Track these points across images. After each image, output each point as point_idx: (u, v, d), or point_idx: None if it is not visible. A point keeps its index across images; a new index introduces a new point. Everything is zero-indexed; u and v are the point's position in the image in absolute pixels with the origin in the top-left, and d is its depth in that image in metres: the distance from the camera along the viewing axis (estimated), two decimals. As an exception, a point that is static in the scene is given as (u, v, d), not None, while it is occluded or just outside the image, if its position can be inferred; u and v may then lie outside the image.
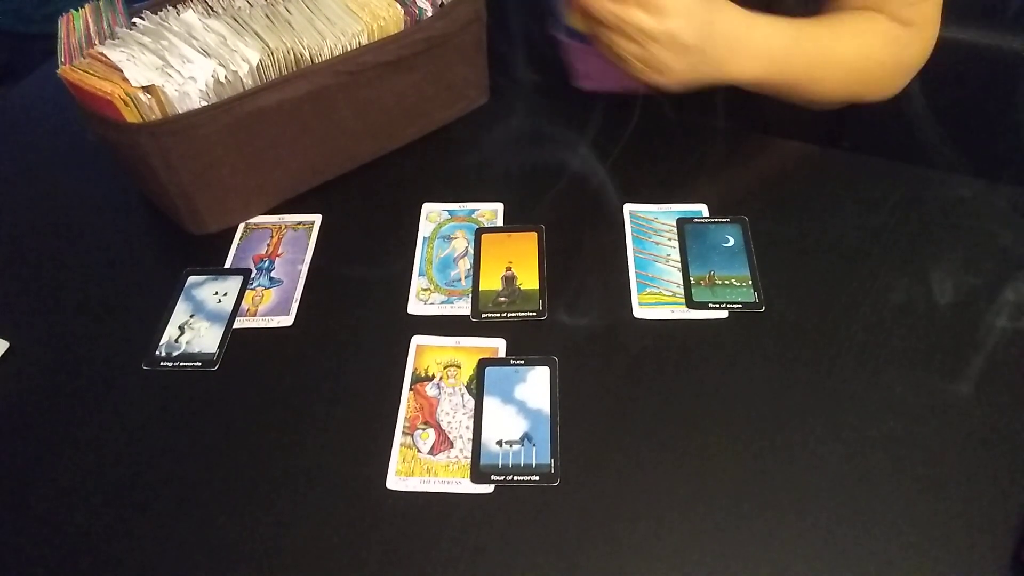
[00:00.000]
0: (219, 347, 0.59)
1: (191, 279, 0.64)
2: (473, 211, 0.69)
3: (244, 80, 0.61)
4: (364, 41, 0.65)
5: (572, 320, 0.60)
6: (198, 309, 0.62)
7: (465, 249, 0.65)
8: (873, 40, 0.68)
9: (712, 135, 0.74)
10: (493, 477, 0.51)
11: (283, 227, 0.68)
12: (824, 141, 0.74)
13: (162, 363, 0.58)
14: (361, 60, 0.64)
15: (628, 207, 0.67)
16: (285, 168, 0.67)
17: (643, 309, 0.60)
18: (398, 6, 0.66)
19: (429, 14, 0.67)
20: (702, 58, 0.61)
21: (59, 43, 0.61)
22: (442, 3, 0.68)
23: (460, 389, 0.56)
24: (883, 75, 0.71)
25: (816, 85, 0.68)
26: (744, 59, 0.64)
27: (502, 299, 0.61)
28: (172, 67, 0.58)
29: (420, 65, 0.68)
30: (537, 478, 0.51)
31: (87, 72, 0.58)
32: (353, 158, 0.71)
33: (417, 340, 0.59)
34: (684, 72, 0.61)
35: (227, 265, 0.65)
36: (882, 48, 0.68)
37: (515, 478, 0.51)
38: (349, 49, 0.64)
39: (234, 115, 0.60)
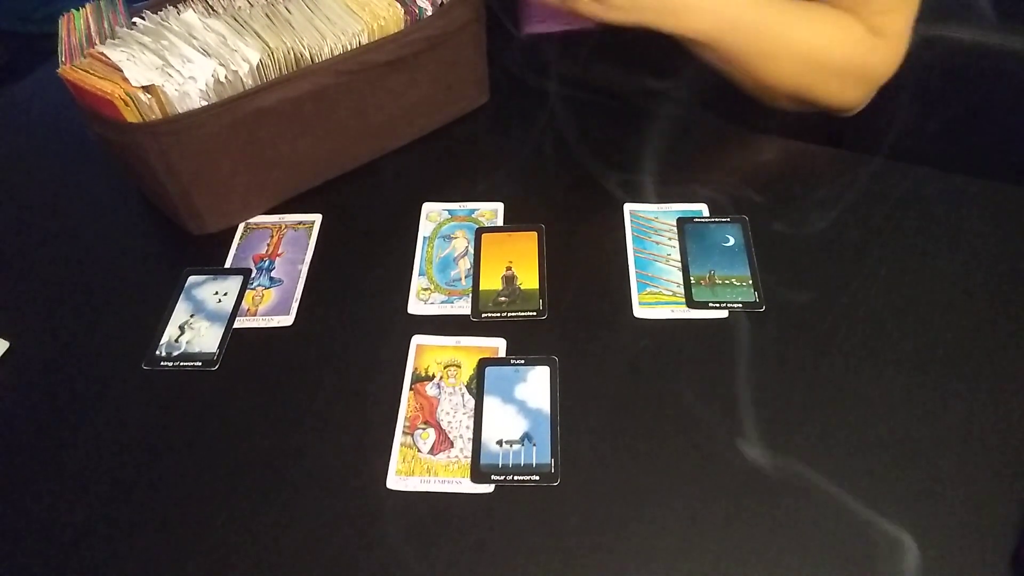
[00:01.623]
0: (219, 347, 0.59)
1: (191, 279, 0.64)
2: (473, 211, 0.69)
3: (244, 80, 0.61)
4: (364, 41, 0.65)
5: (572, 320, 0.60)
6: (198, 309, 0.62)
7: (465, 249, 0.65)
8: (837, 35, 0.66)
9: (712, 135, 0.75)
10: (493, 477, 0.51)
11: (283, 227, 0.68)
12: (824, 141, 0.74)
13: (162, 363, 0.58)
14: (361, 60, 0.64)
15: (628, 207, 0.67)
16: (285, 168, 0.67)
17: (643, 309, 0.60)
18: (398, 6, 0.66)
19: (429, 13, 0.67)
20: None
21: (60, 42, 0.61)
22: (442, 2, 0.68)
23: (460, 389, 0.56)
24: (841, 76, 0.68)
25: (766, 63, 0.66)
26: (693, 10, 0.62)
27: (502, 299, 0.61)
28: (172, 67, 0.58)
29: (420, 65, 0.68)
30: (537, 478, 0.51)
31: (87, 72, 0.58)
32: (353, 158, 0.71)
33: (417, 340, 0.59)
34: (628, 8, 0.60)
35: (227, 265, 0.65)
36: (845, 47, 0.66)
37: (515, 478, 0.51)
38: (349, 49, 0.64)
39: (234, 115, 0.60)
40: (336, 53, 0.64)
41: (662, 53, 0.80)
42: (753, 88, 0.69)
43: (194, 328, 0.60)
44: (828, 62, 0.67)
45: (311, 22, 0.64)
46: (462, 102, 0.76)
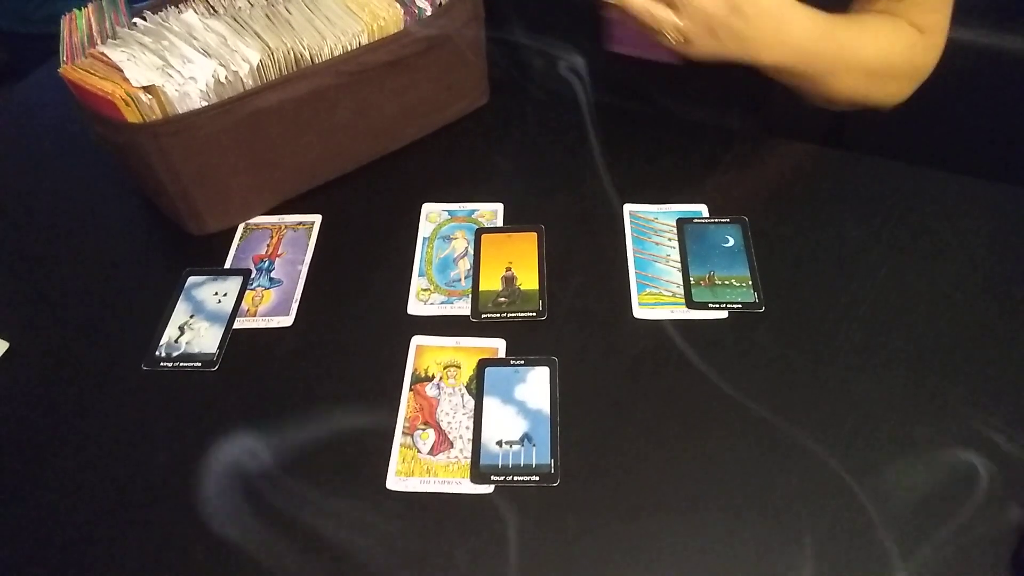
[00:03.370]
0: (219, 347, 0.59)
1: (191, 279, 0.64)
2: (473, 211, 0.69)
3: (244, 80, 0.61)
4: (364, 41, 0.65)
5: (572, 320, 0.60)
6: (198, 309, 0.62)
7: (465, 249, 0.65)
8: (895, 43, 0.68)
9: (712, 135, 0.75)
10: (493, 477, 0.51)
11: (283, 227, 0.68)
12: (824, 141, 0.74)
13: (162, 363, 0.58)
14: (361, 60, 0.64)
15: (628, 207, 0.67)
16: (285, 168, 0.67)
17: (643, 309, 0.60)
18: (398, 6, 0.66)
19: (429, 13, 0.67)
20: (730, 34, 0.62)
21: (61, 42, 0.62)
22: (441, 2, 0.68)
23: (460, 389, 0.56)
24: (897, 79, 0.70)
25: (835, 81, 0.68)
26: (774, 43, 0.64)
27: (502, 299, 0.61)
28: (172, 67, 0.58)
29: (420, 65, 0.68)
30: (537, 478, 0.51)
31: (88, 71, 0.58)
32: (353, 158, 0.71)
33: (417, 340, 0.59)
34: (711, 46, 0.62)
35: (227, 265, 0.65)
36: (901, 52, 0.69)
37: (515, 478, 0.51)
38: (349, 49, 0.64)
39: (234, 115, 0.60)
40: (336, 54, 0.64)
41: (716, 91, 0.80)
42: (818, 99, 0.71)
43: (194, 328, 0.60)
44: (888, 70, 0.69)
45: (311, 22, 0.64)
46: (462, 102, 0.76)
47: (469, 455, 0.52)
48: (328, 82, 0.63)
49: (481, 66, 0.75)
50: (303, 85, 0.62)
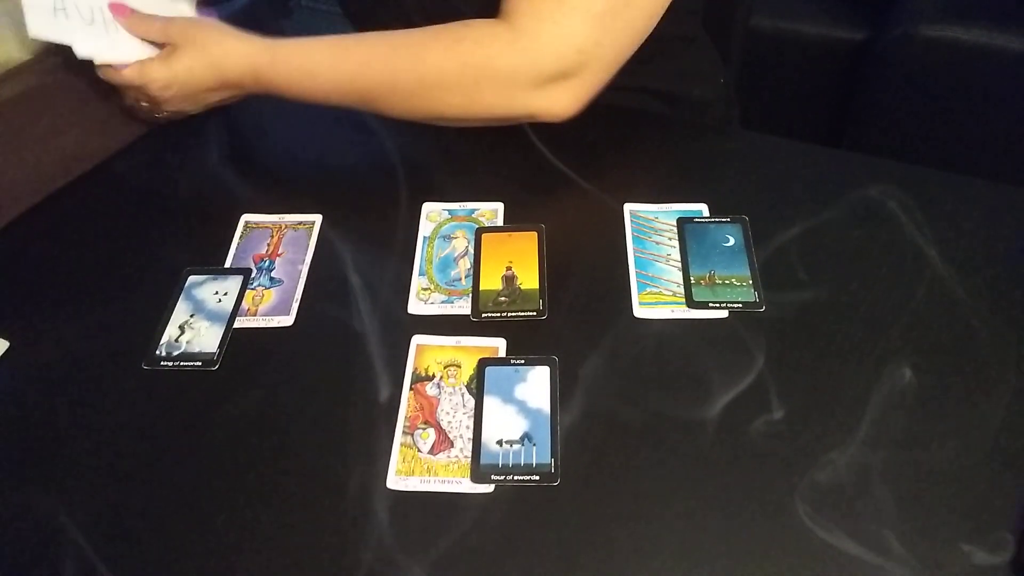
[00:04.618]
0: (219, 347, 0.59)
1: (191, 279, 0.64)
2: (473, 211, 0.69)
3: None
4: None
5: (572, 320, 0.60)
6: (198, 309, 0.62)
7: (465, 249, 0.65)
8: (444, 44, 0.63)
9: (712, 135, 0.75)
10: (493, 477, 0.51)
11: (283, 226, 0.68)
12: (824, 141, 0.74)
13: (162, 363, 0.58)
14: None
15: (628, 207, 0.67)
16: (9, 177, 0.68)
17: (643, 309, 0.60)
18: None
19: None
20: (210, 97, 0.70)
21: None
22: None
23: (460, 389, 0.56)
24: (452, 84, 0.63)
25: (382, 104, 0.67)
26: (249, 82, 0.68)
27: (502, 299, 0.61)
28: None
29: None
30: (537, 478, 0.51)
31: None
32: (78, 160, 0.73)
33: (417, 340, 0.59)
34: (201, 109, 0.72)
35: (227, 265, 0.65)
36: (451, 52, 0.63)
37: (515, 478, 0.51)
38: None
39: None
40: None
41: (663, 55, 0.80)
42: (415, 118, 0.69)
43: (194, 328, 0.60)
44: (433, 82, 0.64)
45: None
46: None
47: (469, 454, 0.52)
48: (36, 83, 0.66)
49: None
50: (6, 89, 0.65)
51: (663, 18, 0.66)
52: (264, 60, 0.66)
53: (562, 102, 0.64)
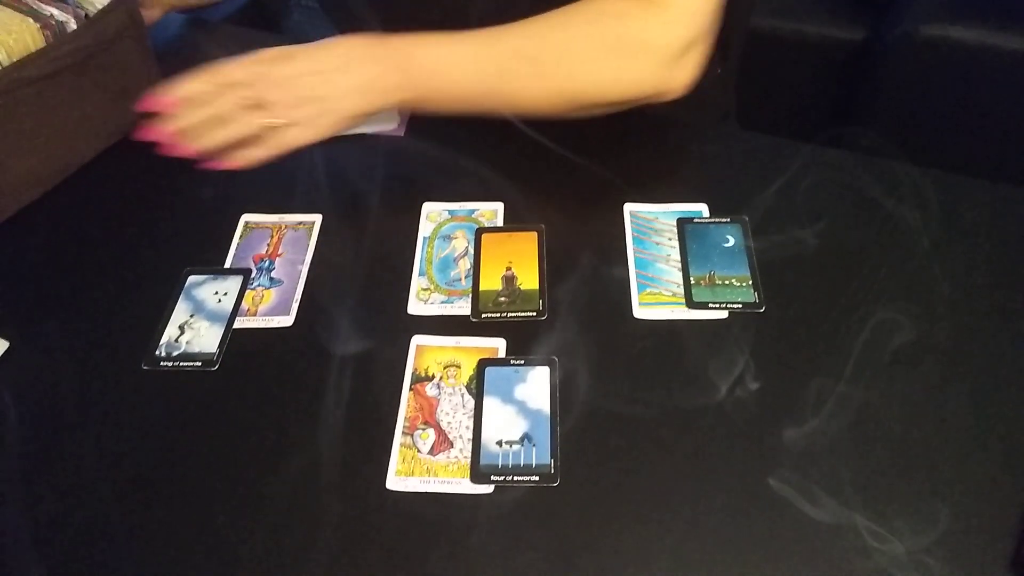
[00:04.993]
0: (219, 347, 0.59)
1: (191, 279, 0.64)
2: (473, 211, 0.69)
3: None
4: (5, 60, 0.65)
5: (572, 320, 0.60)
6: (198, 309, 0.62)
7: (465, 249, 0.65)
8: (594, 24, 0.62)
9: (712, 135, 0.75)
10: (493, 477, 0.51)
11: (283, 227, 0.68)
12: (824, 141, 0.74)
13: (162, 363, 0.58)
14: (7, 79, 0.64)
15: (628, 207, 0.67)
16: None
17: (643, 309, 0.60)
18: (31, 20, 0.66)
19: (72, 26, 0.68)
20: (346, 83, 0.61)
21: None
22: (87, 15, 0.68)
23: (460, 389, 0.56)
24: (620, 58, 0.62)
25: (538, 85, 0.63)
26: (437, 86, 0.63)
27: (502, 299, 0.61)
28: None
29: (81, 77, 0.69)
30: (537, 478, 0.51)
31: None
32: (35, 179, 0.71)
33: (417, 340, 0.59)
34: (334, 122, 0.61)
35: (227, 265, 0.65)
36: (605, 31, 0.62)
37: (515, 478, 0.51)
38: None
39: None
40: None
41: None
42: (554, 110, 0.67)
43: (194, 328, 0.60)
44: (596, 53, 0.63)
45: None
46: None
47: (469, 455, 0.52)
48: None
49: (153, 73, 0.75)
50: None
51: None
52: (409, 41, 0.62)
53: (691, 73, 0.64)
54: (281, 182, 0.73)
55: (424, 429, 0.54)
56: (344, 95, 0.61)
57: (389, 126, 0.74)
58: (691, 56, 0.63)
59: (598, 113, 0.67)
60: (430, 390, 0.56)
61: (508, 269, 0.63)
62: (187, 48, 0.87)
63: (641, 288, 0.62)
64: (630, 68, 0.63)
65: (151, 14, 0.81)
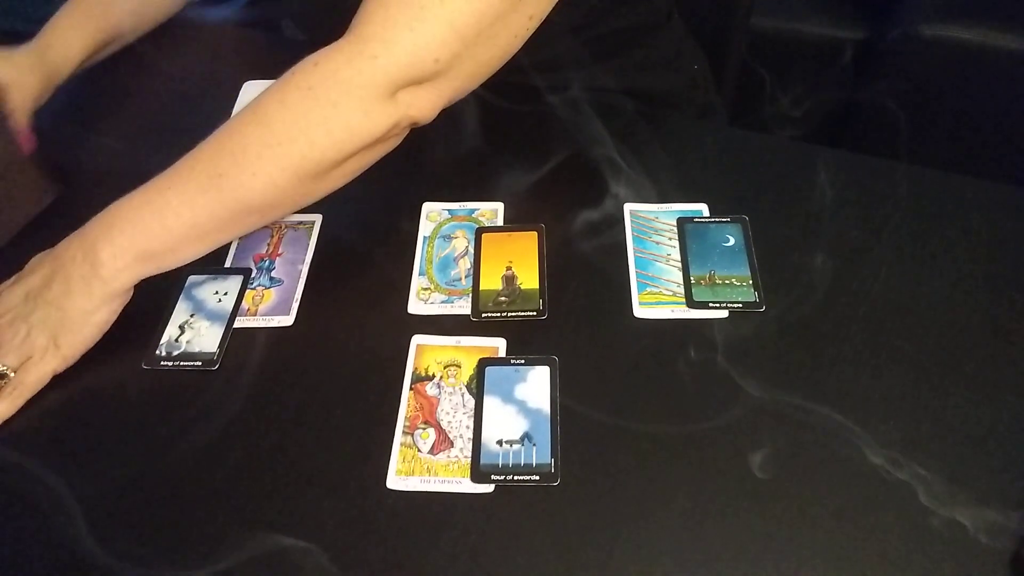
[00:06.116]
0: (219, 347, 0.59)
1: (191, 278, 0.64)
2: (473, 211, 0.69)
3: None
4: None
5: (572, 320, 0.60)
6: (198, 309, 0.62)
7: (465, 249, 0.65)
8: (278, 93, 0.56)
9: (712, 134, 0.75)
10: (493, 477, 0.51)
11: (283, 226, 0.68)
12: (824, 141, 0.74)
13: (162, 363, 0.58)
14: None
15: (628, 207, 0.67)
16: None
17: (643, 309, 0.60)
18: None
19: None
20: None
21: None
22: None
23: (460, 389, 0.56)
24: (314, 112, 0.55)
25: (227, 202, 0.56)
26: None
27: (502, 299, 0.61)
28: None
29: None
30: (537, 478, 0.51)
31: None
32: None
33: (417, 340, 0.59)
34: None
35: (227, 264, 0.65)
36: (288, 89, 0.56)
37: (515, 478, 0.51)
38: None
39: None
40: None
41: (660, 53, 0.80)
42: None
43: (194, 328, 0.60)
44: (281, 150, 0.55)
45: None
46: (18, 210, 0.68)
47: (469, 454, 0.52)
48: None
49: (32, 170, 0.69)
50: None
51: (627, 7, 0.63)
52: (92, 224, 0.57)
53: (416, 106, 0.58)
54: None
55: (424, 429, 0.54)
56: (66, 305, 0.57)
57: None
58: (423, 89, 0.57)
59: (349, 176, 0.60)
60: (430, 389, 0.56)
61: (508, 269, 0.63)
62: (187, 49, 0.87)
63: (641, 288, 0.62)
64: (339, 115, 0.55)
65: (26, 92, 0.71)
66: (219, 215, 0.56)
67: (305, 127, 0.55)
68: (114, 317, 0.58)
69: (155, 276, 0.64)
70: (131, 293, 0.59)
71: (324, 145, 0.55)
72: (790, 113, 0.73)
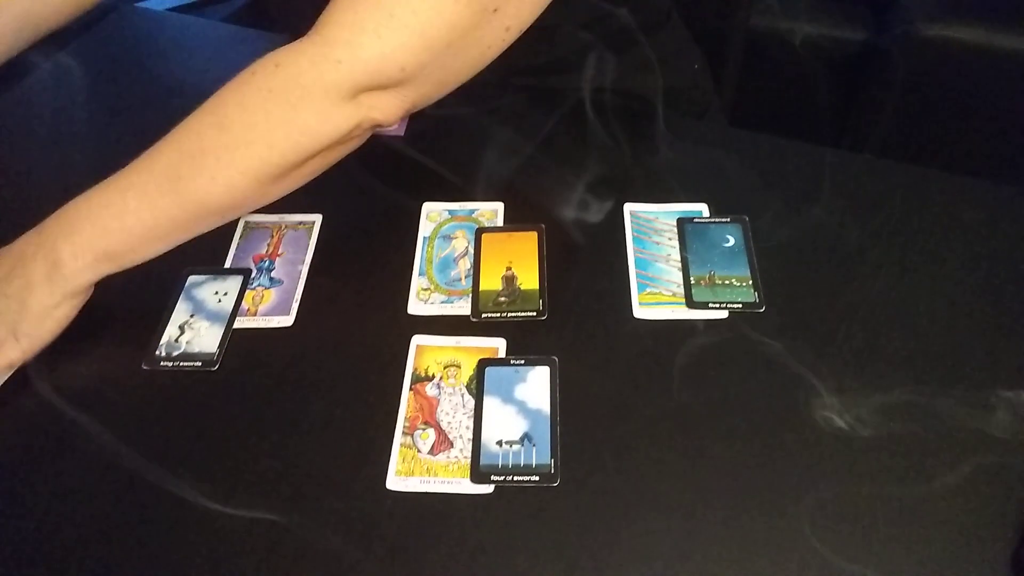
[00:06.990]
0: (219, 347, 0.59)
1: (191, 279, 0.64)
2: (473, 211, 0.69)
3: None
4: None
5: (572, 320, 0.60)
6: (198, 309, 0.62)
7: (465, 249, 0.65)
8: (243, 95, 0.55)
9: (712, 135, 0.75)
10: (493, 477, 0.51)
11: (283, 226, 0.68)
12: (824, 141, 0.74)
13: (162, 363, 0.58)
14: None
15: (628, 207, 0.67)
16: None
17: (643, 309, 0.60)
18: None
19: None
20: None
21: None
22: None
23: (460, 389, 0.56)
24: (276, 113, 0.54)
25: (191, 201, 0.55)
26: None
27: (502, 299, 0.61)
28: None
29: None
30: (537, 478, 0.51)
31: None
32: None
33: (417, 340, 0.59)
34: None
35: (227, 265, 0.65)
36: (259, 91, 0.54)
37: (515, 478, 0.51)
38: None
39: None
40: None
41: (659, 52, 0.80)
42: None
43: (194, 328, 0.60)
44: (239, 140, 0.54)
45: None
46: None
47: (469, 455, 0.52)
48: None
49: None
50: None
51: (627, 7, 0.63)
52: (51, 221, 0.57)
53: (379, 108, 0.57)
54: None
55: (424, 429, 0.54)
56: (27, 299, 0.56)
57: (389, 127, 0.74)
58: (386, 94, 0.56)
59: (306, 176, 0.59)
60: (430, 390, 0.56)
61: (508, 269, 0.63)
62: (186, 49, 0.87)
63: (641, 288, 0.62)
64: (299, 117, 0.55)
65: None
66: (178, 217, 0.56)
67: (265, 131, 0.54)
68: (75, 312, 0.58)
69: (155, 276, 0.65)
70: (92, 289, 0.58)
71: (284, 148, 0.55)
72: (790, 112, 0.73)
